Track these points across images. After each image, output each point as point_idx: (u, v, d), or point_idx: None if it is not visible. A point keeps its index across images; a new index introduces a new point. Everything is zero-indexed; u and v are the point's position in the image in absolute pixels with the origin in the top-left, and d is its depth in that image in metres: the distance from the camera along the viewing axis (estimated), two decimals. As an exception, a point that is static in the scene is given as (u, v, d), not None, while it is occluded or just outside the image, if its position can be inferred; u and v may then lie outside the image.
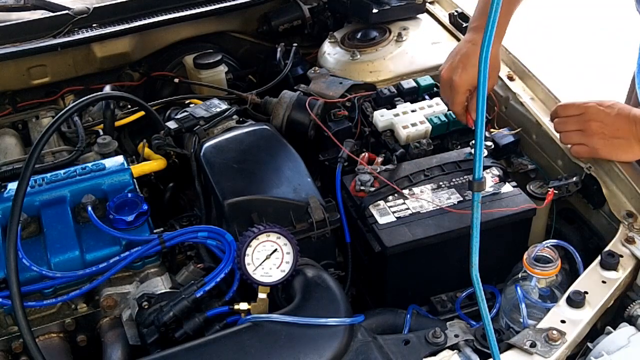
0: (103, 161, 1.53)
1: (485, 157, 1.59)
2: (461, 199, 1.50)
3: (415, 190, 1.53)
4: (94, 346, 1.35)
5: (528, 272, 1.28)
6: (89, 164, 1.51)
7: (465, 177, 1.55)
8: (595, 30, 4.97)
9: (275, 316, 1.21)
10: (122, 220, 1.36)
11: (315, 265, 1.37)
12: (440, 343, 1.20)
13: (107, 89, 1.84)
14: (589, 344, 1.21)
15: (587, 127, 1.51)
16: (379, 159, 1.61)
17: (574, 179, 1.54)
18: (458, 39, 2.06)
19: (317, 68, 1.95)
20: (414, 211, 1.47)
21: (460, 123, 1.71)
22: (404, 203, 1.49)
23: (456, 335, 1.21)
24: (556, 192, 1.52)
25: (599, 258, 1.33)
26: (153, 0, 2.07)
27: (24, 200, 1.24)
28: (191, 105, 1.78)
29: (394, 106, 1.78)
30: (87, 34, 1.95)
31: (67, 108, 1.42)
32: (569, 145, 1.58)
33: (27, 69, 1.96)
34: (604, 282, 1.29)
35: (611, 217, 1.49)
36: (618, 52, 4.70)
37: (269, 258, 1.28)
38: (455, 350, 1.19)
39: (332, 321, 1.20)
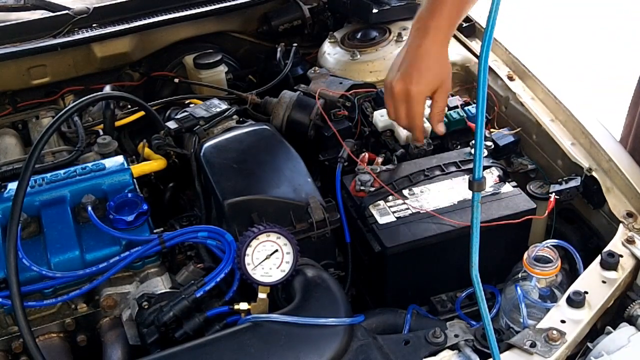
0: (103, 161, 1.53)
1: (485, 157, 1.59)
2: (461, 199, 1.50)
3: (415, 190, 1.53)
4: (94, 346, 1.35)
5: (528, 272, 1.28)
6: (89, 164, 1.51)
7: (465, 177, 1.55)
8: (596, 29, 4.98)
9: (275, 316, 1.21)
10: (122, 220, 1.36)
11: (315, 265, 1.37)
12: (440, 343, 1.20)
13: (107, 89, 1.84)
14: (589, 344, 1.21)
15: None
16: (379, 159, 1.61)
17: (574, 183, 1.54)
18: (458, 39, 2.06)
19: (317, 68, 1.95)
20: (414, 211, 1.47)
21: (460, 123, 1.71)
22: (404, 203, 1.49)
23: (456, 335, 1.21)
24: (557, 197, 1.52)
25: (599, 258, 1.33)
26: (153, 0, 2.07)
27: (24, 200, 1.25)
28: (191, 105, 1.78)
29: (394, 106, 1.77)
30: (87, 34, 1.95)
31: (67, 108, 1.42)
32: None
33: (27, 69, 1.96)
34: (604, 282, 1.29)
35: (611, 217, 1.49)
36: (618, 51, 4.70)
37: (269, 258, 1.28)
38: (455, 350, 1.19)
39: (332, 321, 1.20)
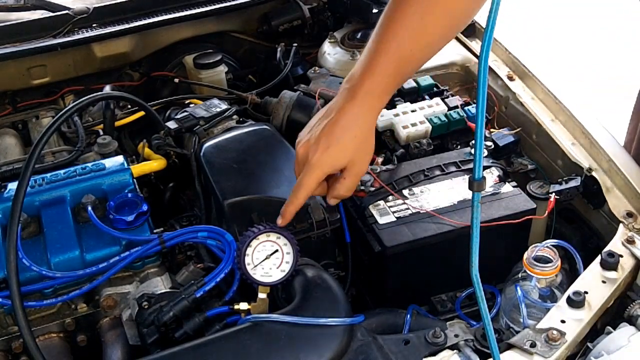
0: (103, 161, 1.53)
1: (485, 157, 1.59)
2: (461, 199, 1.50)
3: (415, 190, 1.53)
4: (94, 346, 1.35)
5: (528, 272, 1.28)
6: (89, 164, 1.51)
7: (465, 177, 1.55)
8: (596, 29, 4.98)
9: (275, 316, 1.21)
10: (122, 220, 1.36)
11: (315, 265, 1.37)
12: (440, 343, 1.20)
13: (107, 89, 1.84)
14: (589, 344, 1.21)
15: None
16: (379, 159, 1.61)
17: (574, 183, 1.54)
18: (458, 39, 2.06)
19: (317, 68, 1.95)
20: (414, 211, 1.47)
21: (460, 123, 1.71)
22: (404, 203, 1.49)
23: (456, 335, 1.21)
24: (557, 197, 1.52)
25: (599, 258, 1.33)
26: (153, 0, 2.07)
27: (24, 200, 1.25)
28: (191, 105, 1.78)
29: (394, 106, 1.77)
30: (87, 34, 1.95)
31: (67, 108, 1.42)
32: None
33: (27, 69, 1.96)
34: (604, 282, 1.29)
35: (611, 217, 1.49)
36: (618, 51, 4.70)
37: (269, 258, 1.28)
38: (455, 350, 1.19)
39: (332, 321, 1.20)
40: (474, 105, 1.63)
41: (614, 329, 1.22)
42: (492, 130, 1.74)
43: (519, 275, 1.32)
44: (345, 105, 1.23)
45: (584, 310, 1.23)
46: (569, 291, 1.25)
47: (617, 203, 1.48)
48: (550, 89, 1.75)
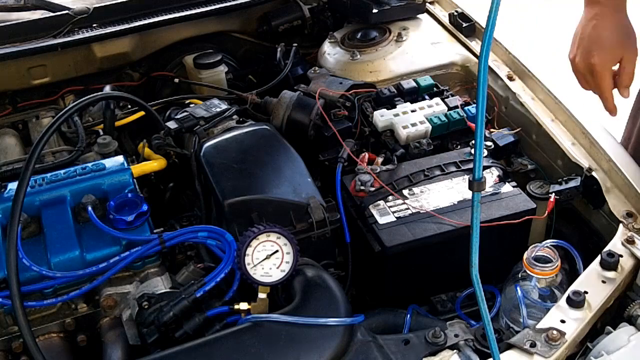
0: (103, 161, 1.53)
1: (485, 157, 1.59)
2: (461, 199, 1.50)
3: (415, 190, 1.53)
4: (94, 346, 1.35)
5: (528, 272, 1.28)
6: (89, 164, 1.51)
7: (465, 177, 1.55)
8: (595, 30, 4.97)
9: (275, 316, 1.21)
10: (122, 220, 1.36)
11: (315, 265, 1.37)
12: (440, 343, 1.20)
13: (107, 89, 1.84)
14: (589, 344, 1.21)
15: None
16: (379, 159, 1.61)
17: (574, 183, 1.54)
18: (458, 39, 2.06)
19: (317, 68, 1.95)
20: (414, 211, 1.47)
21: (460, 123, 1.71)
22: (404, 203, 1.49)
23: (456, 335, 1.21)
24: (557, 197, 1.52)
25: (598, 258, 1.33)
26: (153, 0, 2.07)
27: (24, 200, 1.25)
28: (191, 105, 1.78)
29: (394, 106, 1.78)
30: (87, 34, 1.95)
31: (67, 108, 1.43)
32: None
33: (27, 69, 1.96)
34: (603, 281, 1.29)
35: (611, 217, 1.49)
36: (618, 52, 4.70)
37: (269, 258, 1.28)
38: (455, 350, 1.19)
39: (332, 321, 1.20)
40: (474, 105, 1.63)
41: (614, 329, 1.22)
42: (492, 130, 1.74)
43: (519, 275, 1.32)
44: (595, 16, 1.48)
45: (584, 310, 1.23)
46: (569, 291, 1.25)
47: (617, 203, 1.48)
48: (550, 89, 1.75)
